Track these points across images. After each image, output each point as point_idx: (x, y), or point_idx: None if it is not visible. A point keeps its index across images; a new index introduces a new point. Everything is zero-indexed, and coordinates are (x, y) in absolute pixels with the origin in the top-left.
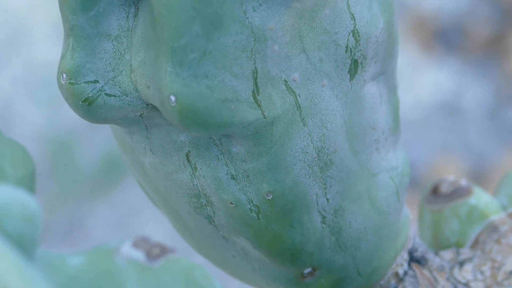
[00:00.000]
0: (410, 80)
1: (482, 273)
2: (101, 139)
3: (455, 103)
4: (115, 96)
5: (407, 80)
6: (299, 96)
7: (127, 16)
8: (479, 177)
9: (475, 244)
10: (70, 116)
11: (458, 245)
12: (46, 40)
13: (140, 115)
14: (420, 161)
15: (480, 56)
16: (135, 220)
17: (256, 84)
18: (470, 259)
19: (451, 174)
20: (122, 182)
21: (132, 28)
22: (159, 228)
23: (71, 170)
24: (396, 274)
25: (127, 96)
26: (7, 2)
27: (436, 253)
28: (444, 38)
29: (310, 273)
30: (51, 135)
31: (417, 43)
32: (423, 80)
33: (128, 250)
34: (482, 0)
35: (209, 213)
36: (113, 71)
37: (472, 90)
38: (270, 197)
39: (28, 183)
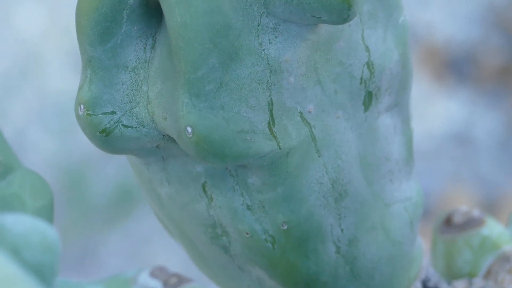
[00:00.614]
0: (421, 110)
1: None
2: (114, 168)
3: (467, 133)
4: (132, 127)
5: (418, 110)
6: (314, 127)
7: (145, 47)
8: (491, 206)
9: (488, 274)
10: (83, 145)
11: (471, 275)
12: (59, 68)
13: (157, 146)
14: (432, 191)
15: (492, 86)
16: (148, 249)
17: (271, 115)
18: None
19: (463, 204)
20: (135, 211)
21: (149, 59)
22: (172, 257)
23: (84, 199)
24: None
25: (144, 127)
26: (20, 30)
27: (449, 283)
28: (455, 68)
29: None
30: (64, 164)
31: (429, 73)
32: (434, 110)
33: (146, 280)
34: (494, 30)
35: (224, 243)
36: (130, 102)
37: (484, 120)
38: (285, 227)
39: (47, 213)
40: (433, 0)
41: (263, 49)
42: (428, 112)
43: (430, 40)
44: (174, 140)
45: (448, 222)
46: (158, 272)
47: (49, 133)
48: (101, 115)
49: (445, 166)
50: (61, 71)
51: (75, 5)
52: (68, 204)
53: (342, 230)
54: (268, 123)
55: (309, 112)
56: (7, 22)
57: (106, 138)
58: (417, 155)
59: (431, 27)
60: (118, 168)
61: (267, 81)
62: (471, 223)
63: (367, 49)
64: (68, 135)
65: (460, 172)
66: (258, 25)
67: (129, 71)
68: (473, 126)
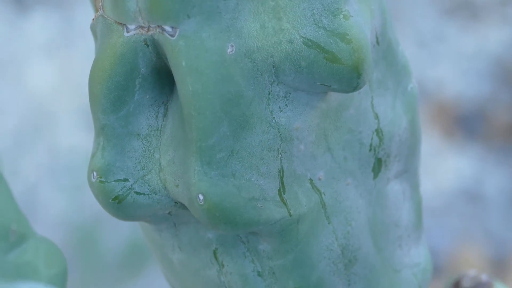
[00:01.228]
0: (431, 166)
1: None
2: (125, 226)
3: (477, 190)
4: (144, 194)
5: (428, 166)
6: (324, 194)
7: (157, 115)
8: (501, 264)
9: None
10: (94, 203)
11: None
12: (70, 126)
13: (169, 213)
14: (442, 248)
15: (502, 143)
16: None
17: (282, 183)
18: None
19: (473, 262)
20: (146, 270)
21: (161, 127)
22: None
23: (95, 257)
24: None
25: (156, 194)
26: (31, 87)
27: None
28: (465, 124)
29: None
30: (75, 221)
31: (439, 129)
32: (444, 166)
33: None
34: (503, 86)
35: None
36: (142, 169)
37: (494, 177)
38: None
39: (60, 280)
40: (443, 56)
41: (274, 117)
42: (438, 168)
43: (440, 96)
44: (186, 207)
45: (457, 287)
46: None
47: (60, 190)
48: (113, 182)
49: (455, 223)
50: (72, 129)
51: (86, 62)
52: (79, 262)
53: None
54: (279, 190)
55: (319, 179)
56: (19, 79)
57: (119, 205)
58: (426, 212)
59: (441, 84)
60: (129, 226)
61: (278, 149)
62: None
63: (377, 116)
64: (79, 193)
65: (470, 229)
66: (269, 94)
67: (142, 139)
68: (483, 183)
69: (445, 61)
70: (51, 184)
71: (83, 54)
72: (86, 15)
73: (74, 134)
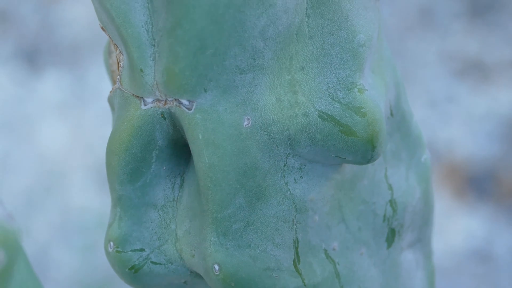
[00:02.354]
0: (442, 227)
1: None
2: None
3: (487, 250)
4: (160, 264)
5: (439, 227)
6: (338, 264)
7: (173, 186)
8: None
9: None
10: (105, 262)
11: None
12: (82, 185)
13: (184, 282)
14: None
15: None
16: None
17: (297, 253)
18: None
19: None
20: None
21: (177, 198)
22: None
23: None
24: None
25: (172, 264)
26: (43, 147)
27: None
28: (476, 185)
29: None
30: (87, 281)
31: (450, 190)
32: (455, 227)
33: None
34: None
35: None
36: (158, 240)
37: (505, 237)
38: None
39: None
40: (454, 117)
41: (289, 189)
42: (449, 228)
43: (451, 157)
44: (202, 276)
45: None
46: None
47: (72, 249)
48: (130, 252)
49: (466, 283)
50: (84, 188)
51: (98, 123)
52: None
53: None
54: (294, 260)
55: (334, 249)
56: (30, 138)
57: (135, 275)
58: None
59: (451, 144)
60: None
61: (293, 219)
62: None
63: (390, 187)
64: (91, 252)
65: None
66: (284, 166)
67: (158, 210)
68: (494, 243)
69: (456, 122)
70: (63, 244)
71: (95, 114)
72: (97, 75)
73: (86, 193)
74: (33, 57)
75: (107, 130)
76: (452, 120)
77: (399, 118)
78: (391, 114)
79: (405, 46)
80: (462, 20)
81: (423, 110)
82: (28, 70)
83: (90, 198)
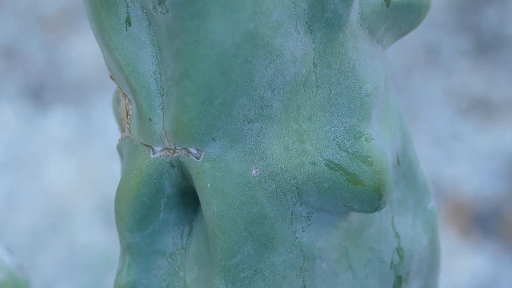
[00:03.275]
0: (447, 265)
1: None
2: None
3: None
4: None
5: (444, 265)
6: None
7: (182, 234)
8: None
9: None
10: None
11: None
12: (88, 223)
13: None
14: None
15: None
16: None
17: None
18: None
19: None
20: None
21: (186, 246)
22: None
23: None
24: None
25: None
26: (49, 184)
27: None
28: (481, 223)
29: None
30: None
31: (455, 228)
32: (460, 265)
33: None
34: None
35: None
36: (167, 287)
37: (510, 276)
38: None
39: None
40: (459, 155)
41: (297, 237)
42: (454, 267)
43: (456, 195)
44: None
45: None
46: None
47: (78, 287)
48: None
49: None
50: (90, 226)
51: (104, 160)
52: None
53: None
54: None
55: None
56: (36, 175)
57: None
58: None
59: (456, 182)
60: None
61: (300, 267)
62: None
63: (397, 235)
64: None
65: None
66: (292, 214)
67: (167, 257)
68: (499, 282)
69: (461, 160)
70: (69, 281)
71: (100, 151)
72: (103, 113)
73: (92, 231)
74: (39, 94)
75: (113, 167)
76: (457, 158)
77: (405, 166)
78: (398, 163)
79: (410, 83)
80: (468, 58)
81: (428, 148)
82: (34, 107)
83: (96, 235)
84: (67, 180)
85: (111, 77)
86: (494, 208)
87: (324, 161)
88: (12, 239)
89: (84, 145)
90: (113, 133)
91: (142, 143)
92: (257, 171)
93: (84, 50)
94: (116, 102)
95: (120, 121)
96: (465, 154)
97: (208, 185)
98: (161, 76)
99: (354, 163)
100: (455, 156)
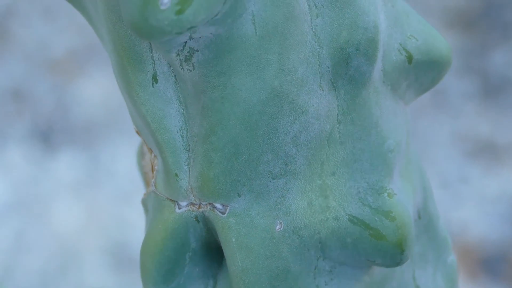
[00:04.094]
0: None
1: None
2: None
3: None
4: None
5: None
6: None
7: None
8: None
9: None
10: None
11: None
12: (96, 265)
13: None
14: None
15: None
16: None
17: None
18: None
19: None
20: None
21: None
22: None
23: None
24: None
25: None
26: (57, 227)
27: None
28: (489, 266)
29: None
30: None
31: (462, 271)
32: None
33: None
34: None
35: None
36: None
37: None
38: None
39: None
40: (466, 198)
41: None
42: None
43: (464, 238)
44: None
45: None
46: None
47: None
48: None
49: None
50: (98, 269)
51: (112, 203)
52: None
53: None
54: None
55: None
56: (45, 218)
57: None
58: None
59: (464, 226)
60: None
61: None
62: None
63: None
64: None
65: None
66: (315, 269)
67: None
68: None
69: (468, 203)
70: None
71: (109, 194)
72: (112, 156)
73: (100, 274)
74: (48, 137)
75: (122, 210)
76: (465, 201)
77: (426, 220)
78: (419, 217)
79: (417, 126)
80: (474, 101)
81: (435, 191)
82: (42, 150)
83: (104, 278)
84: (75, 223)
85: (137, 132)
86: (501, 251)
87: (347, 216)
88: (20, 281)
89: (92, 187)
90: (122, 176)
91: (167, 198)
92: (281, 226)
93: (93, 92)
94: (140, 156)
95: (144, 175)
96: (472, 197)
97: (233, 240)
98: (187, 132)
99: (376, 218)
100: (462, 199)
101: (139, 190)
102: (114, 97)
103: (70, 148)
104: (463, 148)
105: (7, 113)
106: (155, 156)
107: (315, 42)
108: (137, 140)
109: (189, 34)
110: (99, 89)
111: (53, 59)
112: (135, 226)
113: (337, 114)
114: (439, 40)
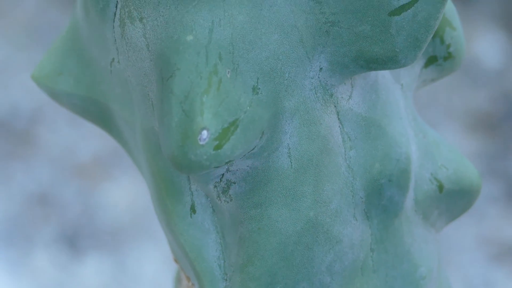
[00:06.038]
0: None
1: None
2: None
3: None
4: None
5: None
6: None
7: None
8: None
9: None
10: None
11: None
12: None
13: None
14: None
15: None
16: None
17: None
18: None
19: None
20: None
21: None
22: None
23: None
24: None
25: None
26: None
27: None
28: None
29: None
30: None
31: None
32: None
33: None
34: None
35: None
36: None
37: None
38: None
39: None
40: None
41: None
42: None
43: None
44: None
45: None
46: None
47: None
48: None
49: None
50: None
51: None
52: None
53: None
54: None
55: None
56: None
57: None
58: None
59: None
60: None
61: None
62: None
63: None
64: None
65: None
66: None
67: None
68: None
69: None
70: None
71: None
72: (138, 260)
73: None
74: (74, 242)
75: None
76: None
77: None
78: None
79: (442, 231)
80: (499, 205)
81: None
82: (69, 255)
83: None
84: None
85: (175, 260)
86: None
87: None
88: None
89: None
90: (148, 281)
91: None
92: None
93: (119, 197)
94: (178, 281)
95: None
96: None
97: None
98: (224, 261)
99: None
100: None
101: None
102: (139, 201)
103: (97, 252)
104: (488, 252)
105: (34, 217)
106: (193, 284)
107: (349, 173)
108: (163, 244)
109: (227, 167)
110: (124, 193)
111: (79, 164)
112: None
113: (371, 243)
114: (469, 168)
